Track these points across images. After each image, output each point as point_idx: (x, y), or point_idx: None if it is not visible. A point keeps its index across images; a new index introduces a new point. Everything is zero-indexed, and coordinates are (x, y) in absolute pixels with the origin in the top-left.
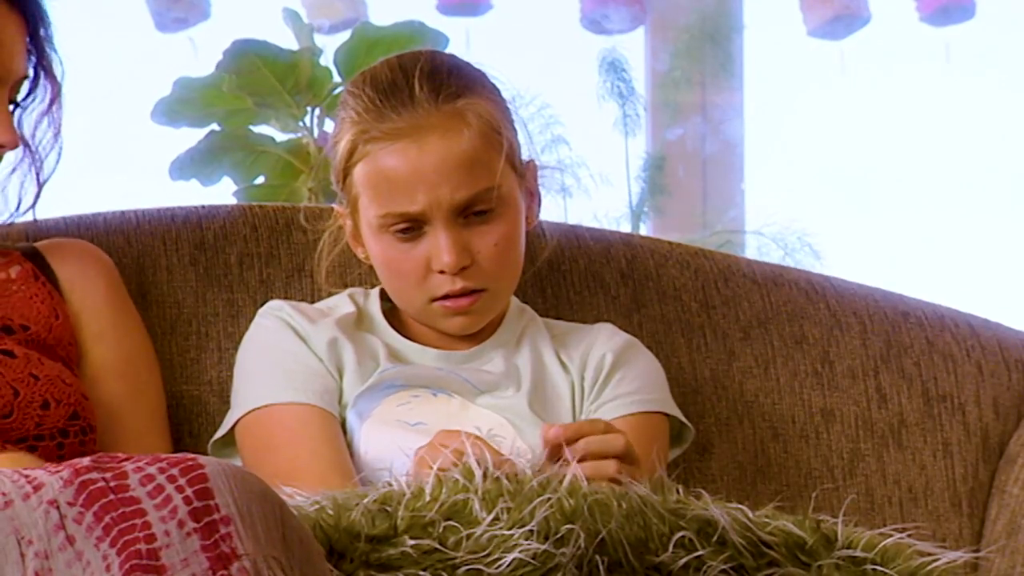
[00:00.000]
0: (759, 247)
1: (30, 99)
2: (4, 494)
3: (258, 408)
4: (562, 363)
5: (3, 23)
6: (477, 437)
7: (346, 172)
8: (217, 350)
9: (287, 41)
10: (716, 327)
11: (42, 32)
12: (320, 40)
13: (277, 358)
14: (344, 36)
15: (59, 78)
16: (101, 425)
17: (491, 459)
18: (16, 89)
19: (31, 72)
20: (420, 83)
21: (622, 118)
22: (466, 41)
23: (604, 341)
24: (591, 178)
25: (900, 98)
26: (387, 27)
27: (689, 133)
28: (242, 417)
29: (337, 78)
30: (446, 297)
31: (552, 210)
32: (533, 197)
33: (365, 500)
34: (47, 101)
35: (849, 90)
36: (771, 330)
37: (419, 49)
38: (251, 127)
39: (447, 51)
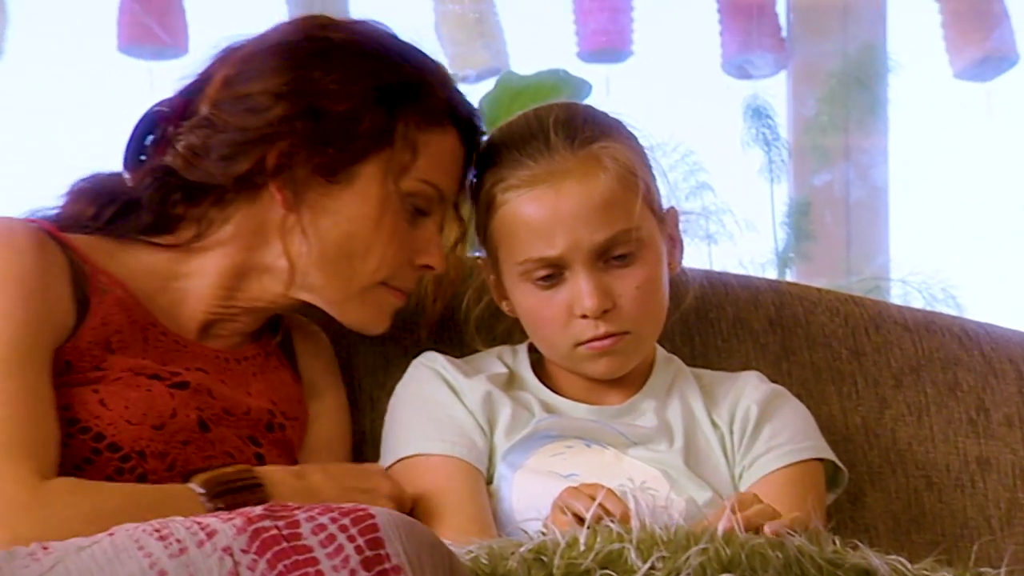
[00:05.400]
0: (905, 294)
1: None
2: (179, 541)
3: (407, 457)
4: (711, 416)
5: (459, 152)
6: (610, 491)
7: (486, 224)
8: (369, 400)
9: None
10: (867, 374)
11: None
12: (464, 90)
13: (428, 409)
14: (488, 85)
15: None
16: None
17: (628, 510)
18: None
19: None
20: (555, 130)
21: (767, 164)
22: (606, 88)
23: (750, 392)
24: (736, 224)
25: None
26: (531, 76)
27: (835, 178)
28: (391, 466)
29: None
30: (590, 341)
31: (697, 256)
32: (675, 243)
33: (521, 549)
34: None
35: (996, 133)
36: (924, 377)
37: (553, 102)
38: None
39: (589, 100)
